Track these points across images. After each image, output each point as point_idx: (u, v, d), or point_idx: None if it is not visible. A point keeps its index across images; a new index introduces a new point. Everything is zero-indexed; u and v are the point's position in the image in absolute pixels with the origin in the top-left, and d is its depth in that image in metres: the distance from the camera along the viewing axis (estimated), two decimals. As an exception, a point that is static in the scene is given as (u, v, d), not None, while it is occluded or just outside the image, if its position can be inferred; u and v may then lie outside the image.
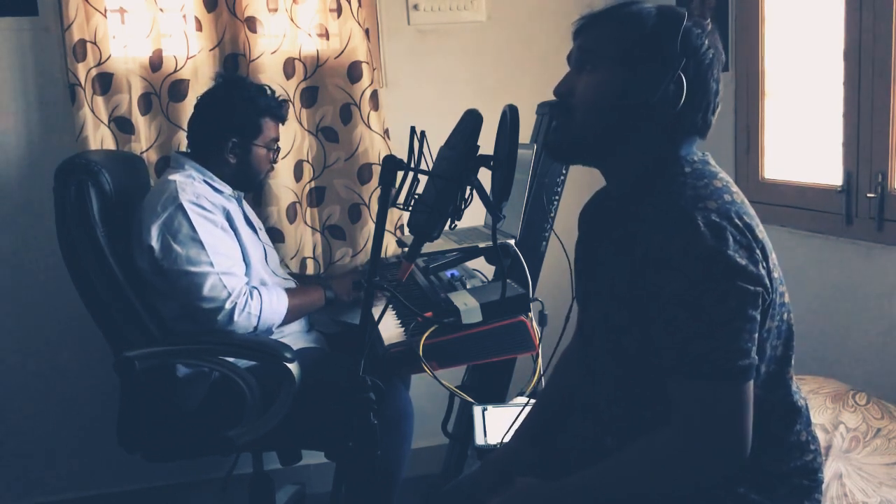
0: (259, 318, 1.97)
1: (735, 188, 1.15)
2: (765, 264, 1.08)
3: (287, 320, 2.08)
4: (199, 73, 2.38)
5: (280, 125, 2.19)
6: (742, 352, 1.04)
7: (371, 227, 2.51)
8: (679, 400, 1.08)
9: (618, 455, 1.13)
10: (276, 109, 2.15)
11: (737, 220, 1.07)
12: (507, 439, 1.46)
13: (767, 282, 1.07)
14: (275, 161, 2.21)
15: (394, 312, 1.95)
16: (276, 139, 2.18)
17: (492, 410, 1.70)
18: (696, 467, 1.08)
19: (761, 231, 1.11)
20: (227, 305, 1.92)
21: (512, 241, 1.91)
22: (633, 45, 1.13)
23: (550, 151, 1.24)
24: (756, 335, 1.06)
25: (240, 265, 2.02)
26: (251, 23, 2.35)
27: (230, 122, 2.08)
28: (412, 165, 1.25)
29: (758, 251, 1.07)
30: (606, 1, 1.19)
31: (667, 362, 1.07)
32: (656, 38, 1.12)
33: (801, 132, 2.15)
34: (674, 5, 1.18)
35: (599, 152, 1.20)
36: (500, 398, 1.96)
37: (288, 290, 2.12)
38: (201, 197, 1.99)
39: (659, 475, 1.09)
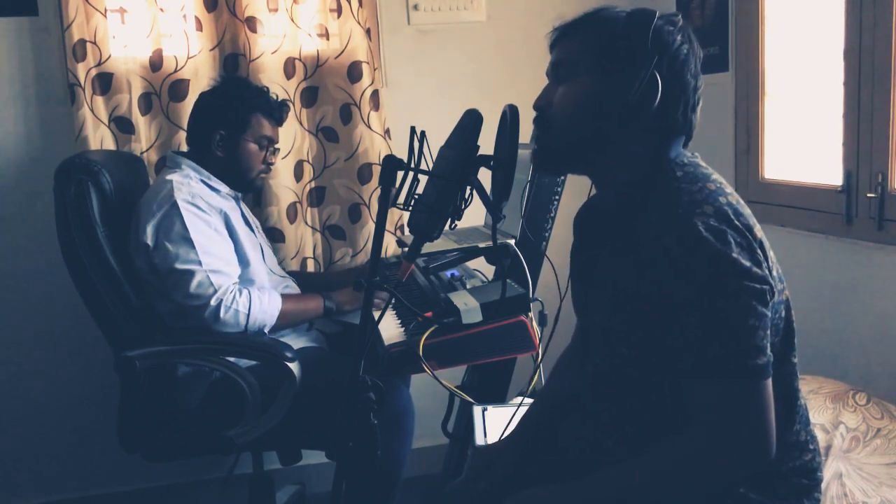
0: (248, 316, 1.95)
1: (729, 189, 1.15)
2: (766, 263, 1.08)
3: (280, 325, 2.05)
4: (200, 73, 2.38)
5: (276, 126, 2.18)
6: (758, 349, 1.05)
7: (371, 227, 2.51)
8: (700, 403, 1.07)
9: (636, 461, 1.12)
10: (270, 108, 2.14)
11: (736, 222, 1.07)
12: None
13: (771, 280, 1.07)
14: (269, 162, 2.19)
15: (394, 312, 1.95)
16: (270, 138, 2.16)
17: (492, 410, 1.70)
18: (725, 468, 1.07)
19: (759, 230, 1.11)
20: (213, 302, 1.91)
21: (512, 241, 1.91)
22: (604, 50, 1.14)
23: (534, 164, 1.25)
24: (769, 331, 1.07)
25: (232, 266, 2.00)
26: (251, 23, 2.35)
27: (218, 114, 2.08)
28: (412, 165, 1.25)
29: (759, 251, 1.08)
30: (601, 2, 1.19)
31: (683, 367, 1.07)
32: (627, 40, 1.12)
33: (801, 132, 2.15)
34: (643, 6, 1.18)
35: (583, 160, 1.20)
36: (500, 398, 1.96)
37: (285, 295, 2.10)
38: (197, 196, 1.99)
39: (686, 478, 1.08)
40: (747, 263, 1.04)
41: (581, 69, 1.16)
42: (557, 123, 1.18)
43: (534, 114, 1.22)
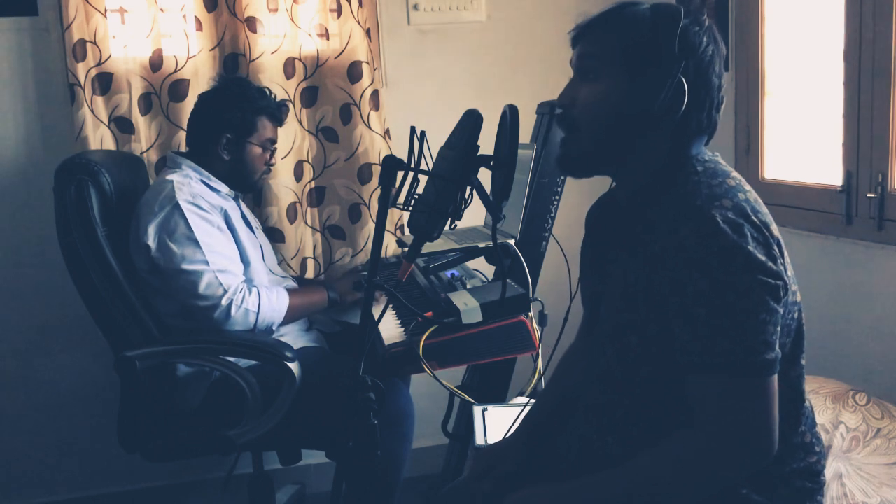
0: (258, 314, 1.96)
1: (748, 186, 1.15)
2: (781, 260, 1.08)
3: (287, 320, 2.07)
4: (200, 73, 2.38)
5: (278, 128, 2.19)
6: (767, 345, 1.04)
7: (371, 227, 2.51)
8: (703, 398, 1.07)
9: (637, 459, 1.11)
10: (274, 110, 2.15)
11: (753, 218, 1.07)
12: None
13: (785, 278, 1.07)
14: (270, 164, 2.21)
15: (394, 312, 1.95)
16: (273, 140, 2.17)
17: (492, 410, 1.70)
18: (727, 465, 1.07)
19: (775, 228, 1.11)
20: (224, 302, 1.92)
21: (512, 241, 1.91)
22: (630, 51, 1.13)
23: (561, 166, 1.23)
24: (779, 328, 1.06)
25: (237, 264, 2.01)
26: (251, 23, 2.35)
27: (226, 117, 2.08)
28: (412, 165, 1.25)
29: (775, 248, 1.08)
30: (604, 2, 1.18)
31: (691, 360, 1.06)
32: (654, 41, 1.11)
33: (801, 132, 2.15)
34: (669, 3, 1.16)
35: (609, 162, 1.20)
36: (500, 398, 1.96)
37: (290, 290, 2.11)
38: (198, 196, 1.99)
39: (687, 475, 1.08)
40: (762, 258, 1.04)
41: (606, 69, 1.15)
42: (583, 127, 1.17)
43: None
